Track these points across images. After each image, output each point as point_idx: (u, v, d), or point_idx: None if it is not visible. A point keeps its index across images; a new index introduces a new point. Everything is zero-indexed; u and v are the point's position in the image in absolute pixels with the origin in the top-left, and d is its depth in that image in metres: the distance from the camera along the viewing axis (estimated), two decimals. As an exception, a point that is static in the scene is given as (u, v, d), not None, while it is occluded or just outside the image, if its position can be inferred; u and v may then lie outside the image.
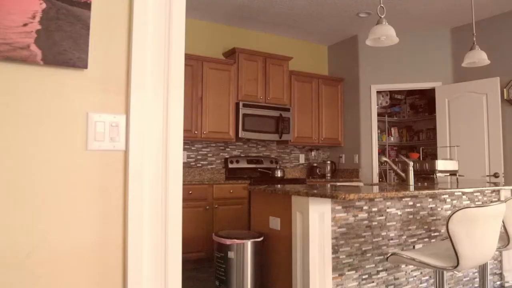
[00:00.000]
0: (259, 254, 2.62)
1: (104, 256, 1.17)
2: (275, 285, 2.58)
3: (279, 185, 2.92)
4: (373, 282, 2.53)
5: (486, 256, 1.95)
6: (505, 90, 4.67)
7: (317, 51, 6.08)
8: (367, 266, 2.50)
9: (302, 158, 5.74)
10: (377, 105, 5.87)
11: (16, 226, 1.06)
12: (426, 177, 3.53)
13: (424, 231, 2.82)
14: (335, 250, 2.36)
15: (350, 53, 5.74)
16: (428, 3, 4.55)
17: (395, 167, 3.10)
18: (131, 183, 1.16)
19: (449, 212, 2.94)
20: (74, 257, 1.13)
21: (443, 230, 2.93)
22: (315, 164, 5.66)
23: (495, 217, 1.94)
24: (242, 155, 5.22)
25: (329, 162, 5.68)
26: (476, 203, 3.14)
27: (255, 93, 4.98)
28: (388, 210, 2.62)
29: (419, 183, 3.16)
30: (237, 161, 5.05)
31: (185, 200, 4.12)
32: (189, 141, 4.85)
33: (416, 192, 2.40)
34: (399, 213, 2.69)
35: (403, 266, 2.70)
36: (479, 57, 3.56)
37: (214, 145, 5.04)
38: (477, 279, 3.12)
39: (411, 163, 3.00)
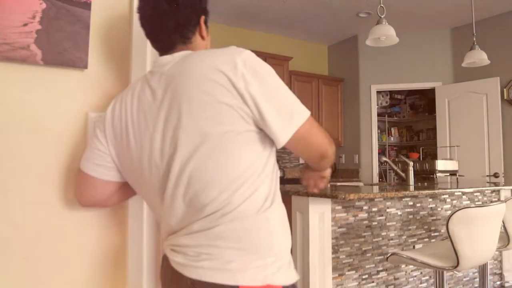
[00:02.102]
0: (259, 254, 2.61)
1: (104, 256, 1.17)
2: (275, 285, 2.57)
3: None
4: (373, 282, 2.53)
5: (486, 256, 1.95)
6: (505, 90, 4.67)
7: (317, 51, 6.08)
8: (367, 266, 2.50)
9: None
10: (377, 105, 5.87)
11: (12, 226, 1.06)
12: (426, 177, 3.53)
13: (424, 231, 2.82)
14: (335, 250, 2.36)
15: (350, 53, 5.74)
16: (428, 3, 4.55)
17: (395, 167, 3.10)
18: (131, 183, 1.16)
19: (449, 212, 2.94)
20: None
21: (443, 230, 2.93)
22: (315, 164, 5.65)
23: (495, 217, 1.94)
24: (242, 155, 5.21)
25: (329, 162, 5.67)
26: (476, 203, 3.14)
27: (255, 93, 4.97)
28: (388, 210, 2.62)
29: (419, 183, 3.16)
30: (237, 161, 5.04)
31: (185, 200, 4.11)
32: (189, 141, 4.84)
33: (416, 192, 2.40)
34: (399, 213, 2.69)
35: (403, 266, 2.70)
36: (479, 57, 3.56)
37: (214, 145, 5.02)
38: (477, 279, 3.12)
39: (411, 163, 3.00)
